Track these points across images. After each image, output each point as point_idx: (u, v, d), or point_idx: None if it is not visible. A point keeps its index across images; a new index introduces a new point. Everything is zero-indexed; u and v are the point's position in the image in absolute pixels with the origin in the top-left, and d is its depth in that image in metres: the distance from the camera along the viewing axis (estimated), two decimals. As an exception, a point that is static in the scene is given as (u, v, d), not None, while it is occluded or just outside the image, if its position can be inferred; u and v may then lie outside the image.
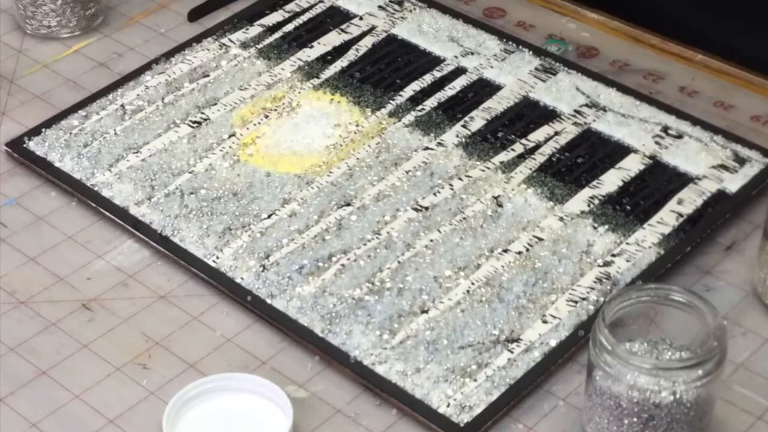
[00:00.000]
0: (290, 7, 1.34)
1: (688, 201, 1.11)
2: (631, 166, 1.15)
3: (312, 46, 1.28)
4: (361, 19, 1.32)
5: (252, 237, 1.08)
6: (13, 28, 1.33)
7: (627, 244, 1.07)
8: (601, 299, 1.03)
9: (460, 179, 1.13)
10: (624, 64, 1.28)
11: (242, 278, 1.05)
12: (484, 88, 1.23)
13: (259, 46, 1.28)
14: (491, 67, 1.25)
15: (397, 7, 1.33)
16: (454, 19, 1.31)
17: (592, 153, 1.16)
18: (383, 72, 1.25)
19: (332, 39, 1.29)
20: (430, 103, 1.22)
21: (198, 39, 1.30)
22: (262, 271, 1.06)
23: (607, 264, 1.06)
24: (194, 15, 1.35)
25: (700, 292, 1.02)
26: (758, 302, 1.04)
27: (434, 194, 1.12)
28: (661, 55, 1.29)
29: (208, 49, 1.28)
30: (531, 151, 1.16)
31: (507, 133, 1.18)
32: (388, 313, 1.02)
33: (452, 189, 1.12)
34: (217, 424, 0.95)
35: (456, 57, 1.26)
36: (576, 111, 1.20)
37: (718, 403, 0.92)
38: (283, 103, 1.22)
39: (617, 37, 1.31)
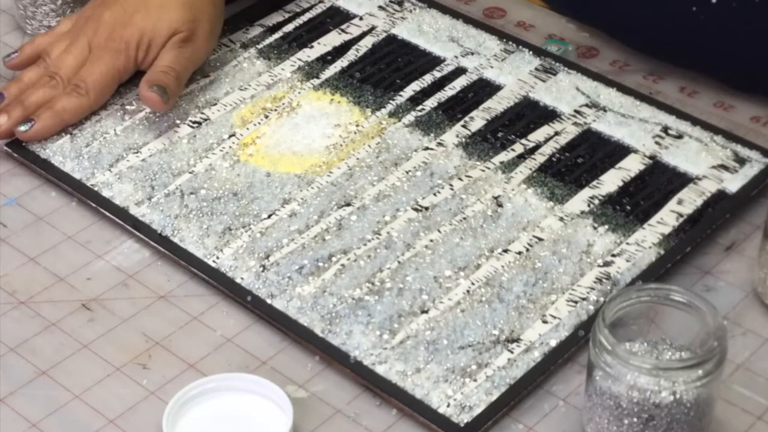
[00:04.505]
0: (290, 7, 1.33)
1: (688, 201, 1.11)
2: (631, 166, 1.15)
3: (312, 46, 1.28)
4: (361, 19, 1.32)
5: (252, 237, 1.08)
6: (13, 28, 1.33)
7: (627, 244, 1.07)
8: (601, 299, 1.03)
9: (460, 179, 1.13)
10: (624, 64, 1.28)
11: (242, 278, 1.05)
12: (484, 88, 1.23)
13: (259, 46, 1.28)
14: (491, 67, 1.25)
15: (397, 7, 1.33)
16: (454, 19, 1.31)
17: (592, 153, 1.16)
18: (383, 72, 1.25)
19: (332, 39, 1.29)
20: (430, 103, 1.22)
21: (198, 39, 1.30)
22: (262, 271, 1.06)
23: (607, 264, 1.06)
24: (194, 15, 1.35)
25: (700, 292, 1.02)
26: (758, 302, 1.04)
27: (434, 194, 1.12)
28: (661, 55, 1.29)
29: (208, 49, 1.28)
30: (531, 151, 1.16)
31: (507, 133, 1.18)
32: (388, 313, 1.02)
33: (452, 189, 1.12)
34: (217, 424, 0.95)
35: (456, 57, 1.26)
36: (576, 111, 1.20)
37: (718, 403, 0.92)
38: (283, 103, 1.22)
39: (617, 37, 1.31)
